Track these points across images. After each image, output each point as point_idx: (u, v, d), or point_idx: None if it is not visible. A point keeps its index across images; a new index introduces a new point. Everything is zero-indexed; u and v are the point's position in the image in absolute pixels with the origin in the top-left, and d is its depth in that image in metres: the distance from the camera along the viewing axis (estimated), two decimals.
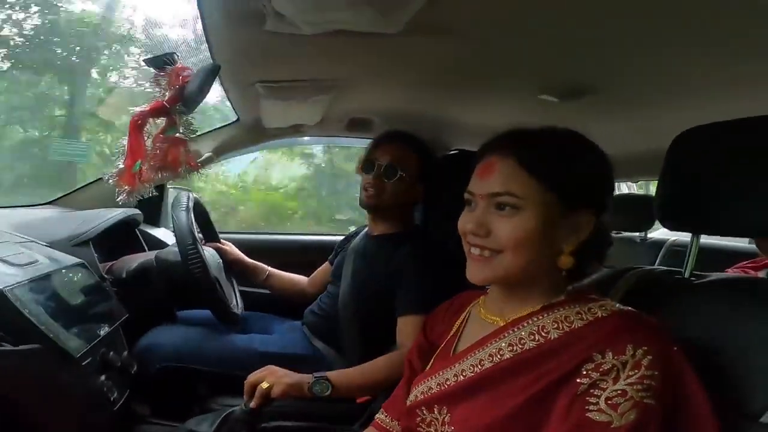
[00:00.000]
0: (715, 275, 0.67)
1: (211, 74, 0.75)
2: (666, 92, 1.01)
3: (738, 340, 0.55)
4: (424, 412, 0.61)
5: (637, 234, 1.97)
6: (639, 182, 2.24)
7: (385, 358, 0.98)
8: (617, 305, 0.56)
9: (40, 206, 1.26)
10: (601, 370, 0.49)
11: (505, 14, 0.71)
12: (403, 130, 1.20)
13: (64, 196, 1.29)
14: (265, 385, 0.84)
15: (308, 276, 1.38)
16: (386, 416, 0.72)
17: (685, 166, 0.66)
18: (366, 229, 1.23)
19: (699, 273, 0.69)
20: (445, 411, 0.59)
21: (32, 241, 0.88)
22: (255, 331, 1.21)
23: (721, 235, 0.66)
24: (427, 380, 0.63)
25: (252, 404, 0.85)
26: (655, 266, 0.79)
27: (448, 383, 0.60)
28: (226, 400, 1.02)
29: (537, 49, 0.84)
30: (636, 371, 0.48)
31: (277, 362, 0.91)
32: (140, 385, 0.97)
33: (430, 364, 0.68)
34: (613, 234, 2.00)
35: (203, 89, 0.74)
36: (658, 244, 1.91)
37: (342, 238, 1.36)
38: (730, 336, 0.56)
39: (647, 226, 1.89)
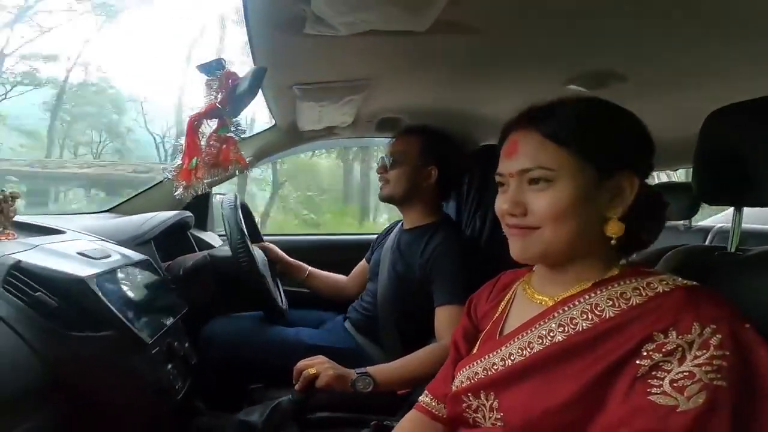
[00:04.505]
0: (761, 249, 0.64)
1: (258, 76, 0.81)
2: (695, 74, 0.99)
3: None
4: (470, 398, 0.59)
5: (681, 222, 1.89)
6: (678, 170, 2.15)
7: (425, 350, 0.99)
8: (680, 279, 0.52)
9: (101, 213, 1.37)
10: (664, 350, 0.46)
11: (529, 7, 0.72)
12: (413, 124, 1.23)
13: (122, 203, 1.39)
14: (312, 371, 0.87)
15: (347, 275, 1.41)
16: (431, 399, 0.70)
17: (719, 142, 0.65)
18: (400, 224, 1.26)
19: (745, 248, 0.67)
20: (493, 397, 0.56)
21: (102, 239, 0.96)
22: (301, 326, 1.24)
23: (763, 206, 0.64)
24: (473, 365, 0.60)
25: (297, 387, 0.89)
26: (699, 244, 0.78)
27: (495, 368, 0.57)
28: (275, 392, 1.07)
29: (562, 40, 0.85)
30: (704, 351, 0.45)
31: (323, 354, 0.95)
32: (198, 375, 1.03)
33: (476, 346, 0.65)
34: None
35: (251, 91, 0.80)
36: (705, 231, 1.83)
37: (375, 236, 1.40)
38: None
39: (691, 213, 1.81)
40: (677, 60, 0.92)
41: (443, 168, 1.17)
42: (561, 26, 0.79)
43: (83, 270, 0.76)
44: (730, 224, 0.69)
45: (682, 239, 1.86)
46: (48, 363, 0.68)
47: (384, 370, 0.94)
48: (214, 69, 0.84)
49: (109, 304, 0.74)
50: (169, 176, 0.92)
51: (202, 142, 0.87)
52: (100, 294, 0.74)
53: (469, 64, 1.01)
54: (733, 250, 0.67)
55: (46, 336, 0.69)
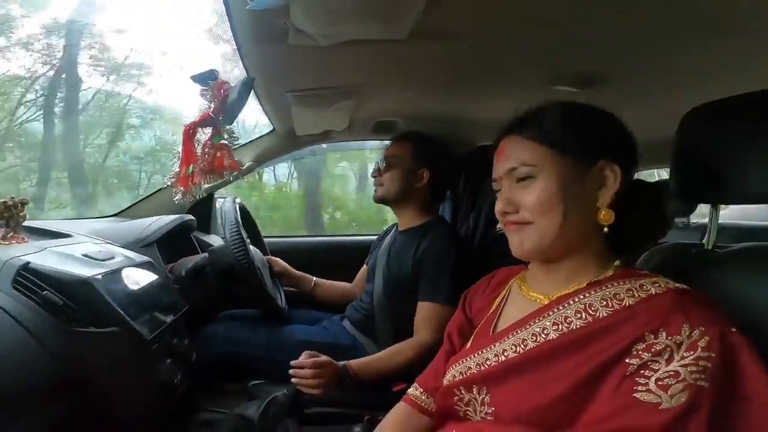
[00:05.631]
0: (738, 245, 0.66)
1: (246, 86, 0.86)
2: (677, 74, 1.01)
3: (765, 306, 0.55)
4: (462, 392, 0.60)
5: (679, 219, 1.88)
6: None
7: (395, 346, 1.07)
8: (672, 282, 0.53)
9: (108, 217, 1.43)
10: (653, 350, 0.47)
11: (513, 12, 0.75)
12: (407, 131, 1.29)
13: (127, 208, 1.45)
14: (303, 382, 0.93)
15: (344, 278, 1.46)
16: (421, 392, 0.71)
17: (697, 140, 0.66)
18: (395, 227, 1.31)
19: (722, 245, 0.68)
20: (485, 391, 0.57)
21: (107, 242, 1.01)
22: (299, 323, 1.29)
23: (738, 203, 0.66)
24: (466, 360, 0.61)
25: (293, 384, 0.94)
26: (678, 241, 0.79)
27: (488, 363, 0.58)
28: (274, 388, 1.10)
29: (546, 42, 0.87)
30: (692, 352, 0.46)
31: (319, 350, 1.00)
32: (199, 373, 1.07)
33: (469, 341, 0.66)
34: None
35: (241, 100, 0.86)
36: (702, 228, 1.82)
37: (375, 238, 1.44)
38: (759, 304, 0.56)
39: (689, 210, 1.80)
40: (658, 60, 0.95)
41: (435, 171, 1.22)
42: (544, 29, 0.82)
43: (88, 271, 0.80)
44: (729, 221, 0.70)
45: (680, 237, 1.86)
46: (56, 358, 0.71)
47: (358, 361, 1.02)
48: (207, 79, 0.89)
49: (111, 303, 0.79)
50: (169, 183, 0.97)
51: (198, 150, 0.92)
52: (103, 293, 0.78)
53: (459, 68, 1.04)
54: (710, 247, 0.69)
55: (54, 332, 0.73)
